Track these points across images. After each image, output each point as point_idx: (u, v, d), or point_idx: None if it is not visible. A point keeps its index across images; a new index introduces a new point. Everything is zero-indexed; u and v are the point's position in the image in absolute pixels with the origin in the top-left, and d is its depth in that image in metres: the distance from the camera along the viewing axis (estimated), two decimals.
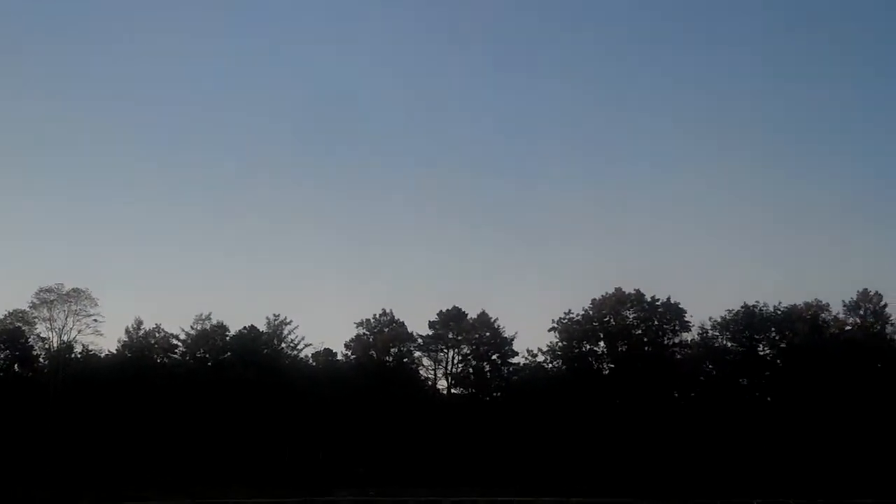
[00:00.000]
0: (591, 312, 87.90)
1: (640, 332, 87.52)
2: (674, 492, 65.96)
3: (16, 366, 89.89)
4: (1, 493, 65.31)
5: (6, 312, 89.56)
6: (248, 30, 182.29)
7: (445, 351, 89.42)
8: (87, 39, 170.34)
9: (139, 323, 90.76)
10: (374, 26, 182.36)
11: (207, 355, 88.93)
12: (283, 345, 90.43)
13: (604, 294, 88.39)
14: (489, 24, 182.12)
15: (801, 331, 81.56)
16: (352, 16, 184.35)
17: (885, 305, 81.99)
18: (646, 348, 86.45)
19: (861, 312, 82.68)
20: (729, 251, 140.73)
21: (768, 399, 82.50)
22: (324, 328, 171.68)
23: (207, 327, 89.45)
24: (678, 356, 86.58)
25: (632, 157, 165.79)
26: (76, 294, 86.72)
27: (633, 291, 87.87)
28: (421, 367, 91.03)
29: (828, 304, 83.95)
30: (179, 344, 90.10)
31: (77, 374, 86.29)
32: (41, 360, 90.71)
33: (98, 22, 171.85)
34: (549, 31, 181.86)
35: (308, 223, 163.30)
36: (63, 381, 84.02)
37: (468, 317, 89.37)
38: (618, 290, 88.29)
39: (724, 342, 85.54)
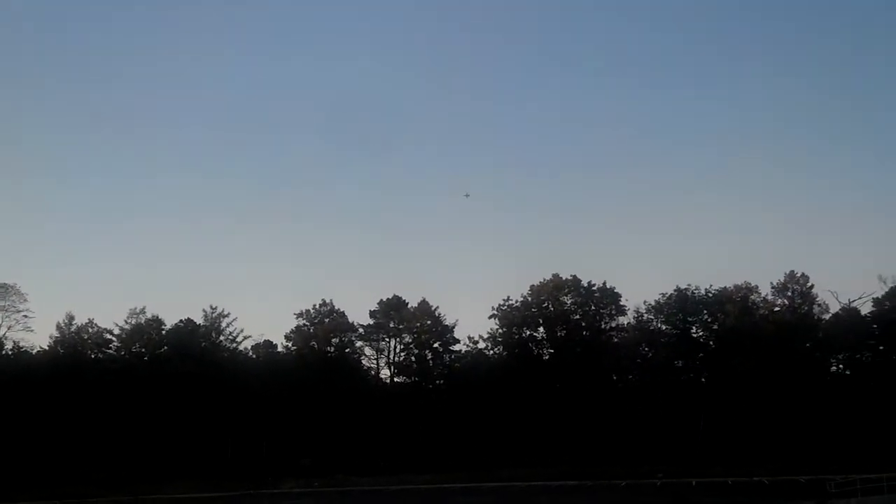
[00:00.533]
0: (529, 298, 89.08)
1: (577, 316, 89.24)
2: (613, 472, 67.59)
3: None
4: None
5: None
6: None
7: (387, 340, 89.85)
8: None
9: (71, 318, 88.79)
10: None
11: (143, 350, 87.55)
12: (222, 337, 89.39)
13: (542, 280, 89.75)
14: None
15: (732, 312, 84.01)
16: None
17: (812, 287, 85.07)
18: (584, 333, 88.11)
19: (789, 294, 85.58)
20: (661, 236, 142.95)
21: (702, 380, 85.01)
22: (263, 320, 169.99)
23: (142, 321, 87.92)
24: (615, 340, 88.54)
25: (566, 142, 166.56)
26: (4, 289, 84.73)
27: (570, 277, 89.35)
28: (363, 357, 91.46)
29: (757, 287, 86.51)
30: (114, 339, 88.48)
31: (8, 371, 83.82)
32: None
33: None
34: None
35: (243, 213, 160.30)
36: None
37: (409, 305, 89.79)
38: (555, 275, 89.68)
39: (659, 325, 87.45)
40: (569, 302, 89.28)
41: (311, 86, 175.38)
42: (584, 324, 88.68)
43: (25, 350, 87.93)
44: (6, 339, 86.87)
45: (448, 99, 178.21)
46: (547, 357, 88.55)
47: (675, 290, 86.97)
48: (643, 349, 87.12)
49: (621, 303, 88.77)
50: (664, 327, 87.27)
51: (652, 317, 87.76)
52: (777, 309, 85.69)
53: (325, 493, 68.62)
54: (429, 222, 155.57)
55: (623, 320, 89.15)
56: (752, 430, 75.56)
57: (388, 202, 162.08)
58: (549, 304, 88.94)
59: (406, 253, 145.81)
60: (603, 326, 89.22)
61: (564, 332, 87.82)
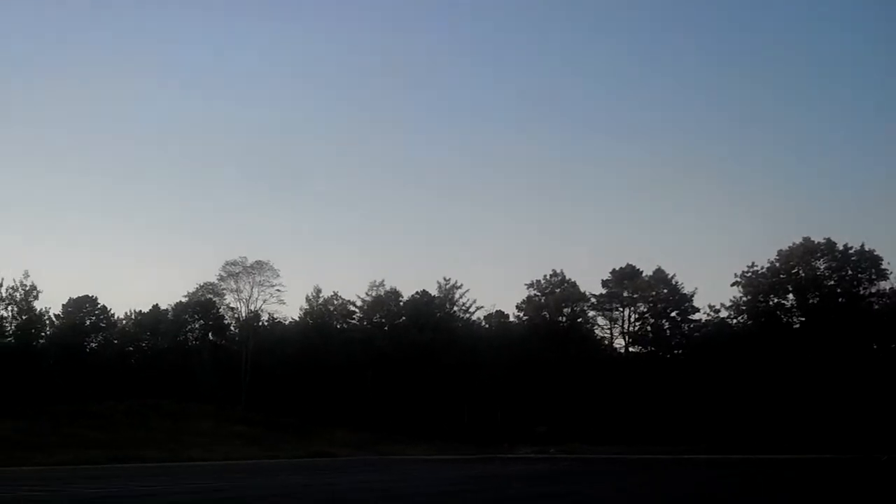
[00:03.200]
0: (777, 264, 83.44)
1: (832, 282, 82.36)
2: (874, 447, 61.68)
3: (210, 334, 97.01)
4: None
5: (198, 286, 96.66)
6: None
7: (621, 310, 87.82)
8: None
9: (318, 291, 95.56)
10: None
11: (383, 320, 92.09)
12: (455, 308, 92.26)
13: (791, 244, 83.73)
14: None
15: None
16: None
17: None
18: (839, 300, 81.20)
19: None
20: None
21: None
22: (494, 291, 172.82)
23: (382, 293, 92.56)
24: (876, 307, 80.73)
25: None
26: (259, 266, 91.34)
27: (822, 240, 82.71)
28: (596, 327, 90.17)
29: None
30: (356, 310, 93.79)
31: (266, 339, 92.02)
32: (232, 328, 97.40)
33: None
34: None
35: (468, 187, 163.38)
36: (253, 348, 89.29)
37: (643, 274, 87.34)
38: (806, 239, 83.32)
39: None
40: (822, 267, 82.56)
41: None
42: (839, 290, 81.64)
43: (279, 321, 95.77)
44: (262, 311, 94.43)
45: None
46: (797, 326, 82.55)
47: None
48: None
49: (882, 266, 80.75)
50: None
51: None
52: None
53: (561, 458, 68.40)
54: (661, 189, 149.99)
55: (884, 285, 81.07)
56: None
57: (619, 168, 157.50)
58: (799, 269, 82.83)
59: (639, 220, 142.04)
60: (861, 292, 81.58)
61: (817, 300, 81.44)
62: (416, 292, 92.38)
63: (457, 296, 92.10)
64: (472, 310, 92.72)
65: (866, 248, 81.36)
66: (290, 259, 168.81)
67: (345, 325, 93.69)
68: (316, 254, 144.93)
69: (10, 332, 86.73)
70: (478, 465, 47.27)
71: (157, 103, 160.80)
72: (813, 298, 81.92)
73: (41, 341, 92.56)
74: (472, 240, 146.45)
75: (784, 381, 76.40)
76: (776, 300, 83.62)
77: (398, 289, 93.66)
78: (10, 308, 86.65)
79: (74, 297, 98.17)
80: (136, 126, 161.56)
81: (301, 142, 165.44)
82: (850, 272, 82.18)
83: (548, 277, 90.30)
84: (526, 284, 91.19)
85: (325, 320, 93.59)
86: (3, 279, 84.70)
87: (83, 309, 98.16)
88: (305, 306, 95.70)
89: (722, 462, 57.04)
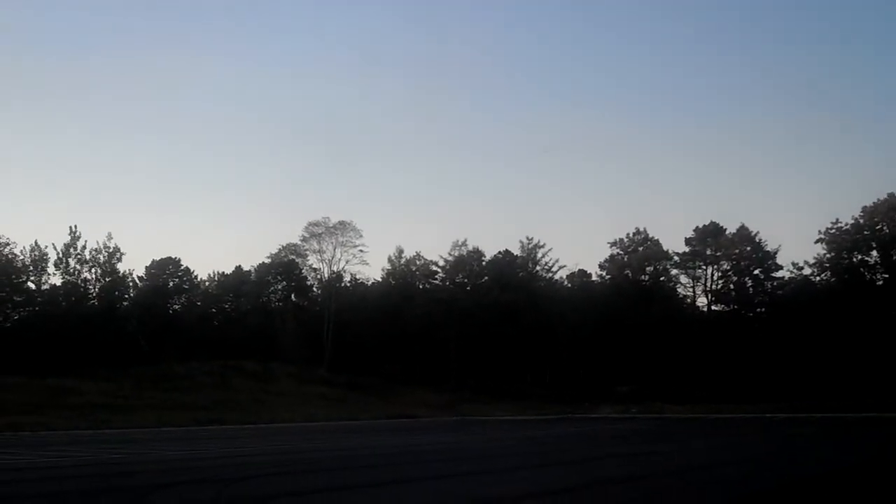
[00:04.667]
0: (861, 221, 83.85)
1: None
2: None
3: (292, 295, 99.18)
4: None
5: (280, 247, 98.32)
6: None
7: (704, 268, 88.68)
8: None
9: (400, 252, 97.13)
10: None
11: (466, 280, 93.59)
12: (538, 268, 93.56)
13: (875, 200, 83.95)
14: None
15: None
16: None
17: None
18: None
19: None
20: None
21: None
22: (577, 250, 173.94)
23: (464, 253, 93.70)
24: None
25: None
26: (342, 226, 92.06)
27: None
28: (678, 286, 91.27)
29: None
30: (439, 270, 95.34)
31: (347, 300, 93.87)
32: (314, 289, 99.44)
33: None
34: None
35: (561, 141, 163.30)
36: (336, 309, 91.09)
37: (726, 231, 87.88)
38: (891, 195, 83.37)
39: None
40: None
41: None
42: None
43: (362, 282, 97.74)
44: (345, 271, 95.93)
45: None
46: (881, 283, 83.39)
47: None
48: None
49: None
50: None
51: None
52: None
53: (643, 419, 70.27)
54: (745, 144, 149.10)
55: None
56: None
57: (700, 126, 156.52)
58: (883, 225, 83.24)
59: (723, 177, 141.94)
60: None
61: None
62: (499, 252, 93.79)
63: (539, 255, 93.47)
64: (554, 269, 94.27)
65: None
66: (372, 220, 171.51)
67: (427, 286, 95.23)
68: (398, 215, 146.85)
69: (94, 294, 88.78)
70: (558, 425, 48.32)
71: (241, 75, 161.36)
72: None
73: (125, 304, 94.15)
74: (554, 198, 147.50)
75: (868, 339, 77.48)
76: (860, 257, 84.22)
77: (481, 248, 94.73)
78: (93, 270, 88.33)
79: (158, 259, 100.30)
80: (221, 94, 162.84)
81: (382, 108, 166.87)
82: None
83: (630, 236, 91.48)
84: (609, 243, 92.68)
85: (407, 281, 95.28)
86: (86, 242, 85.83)
87: (166, 271, 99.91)
88: (388, 267, 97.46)
89: (805, 420, 58.54)
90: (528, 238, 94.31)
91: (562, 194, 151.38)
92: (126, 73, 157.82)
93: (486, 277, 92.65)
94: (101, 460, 22.70)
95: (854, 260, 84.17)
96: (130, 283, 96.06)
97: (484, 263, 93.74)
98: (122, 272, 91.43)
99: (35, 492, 15.12)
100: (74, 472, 19.07)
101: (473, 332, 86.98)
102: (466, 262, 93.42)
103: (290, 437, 34.45)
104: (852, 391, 72.14)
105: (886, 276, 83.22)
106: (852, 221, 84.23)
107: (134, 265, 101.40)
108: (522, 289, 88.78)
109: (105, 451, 25.60)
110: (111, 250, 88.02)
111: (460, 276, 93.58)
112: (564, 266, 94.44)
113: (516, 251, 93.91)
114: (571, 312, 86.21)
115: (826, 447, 27.07)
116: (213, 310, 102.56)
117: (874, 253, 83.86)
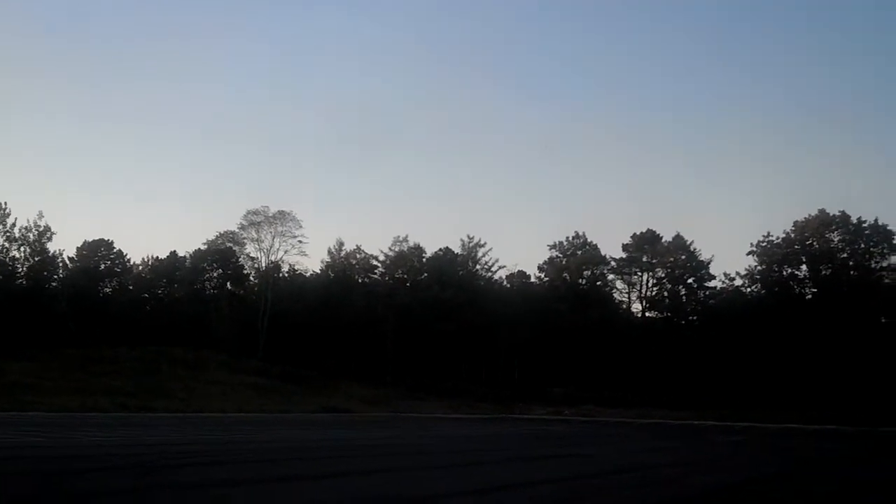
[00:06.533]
0: (792, 235, 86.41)
1: (845, 255, 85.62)
2: (878, 420, 65.29)
3: (228, 284, 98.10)
4: None
5: (218, 234, 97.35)
6: None
7: (639, 274, 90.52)
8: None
9: (341, 244, 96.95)
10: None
11: (405, 276, 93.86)
12: (478, 267, 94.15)
13: (806, 216, 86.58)
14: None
15: None
16: None
17: None
18: (851, 272, 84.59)
19: None
20: None
21: None
22: (516, 251, 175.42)
23: (405, 249, 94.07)
24: (886, 280, 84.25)
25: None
26: (282, 216, 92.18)
27: (837, 213, 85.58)
28: (614, 291, 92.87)
29: None
30: (378, 265, 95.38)
31: (286, 290, 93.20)
32: (251, 278, 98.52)
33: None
34: None
35: (500, 144, 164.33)
36: (272, 299, 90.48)
37: (663, 239, 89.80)
38: (821, 211, 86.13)
39: None
40: (836, 239, 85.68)
41: None
42: (851, 263, 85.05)
43: (300, 273, 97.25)
44: (283, 262, 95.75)
45: None
46: (809, 297, 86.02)
47: None
48: None
49: (894, 241, 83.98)
50: None
51: None
52: None
53: (575, 421, 71.25)
54: (685, 155, 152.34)
55: (895, 259, 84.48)
56: None
57: (643, 135, 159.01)
58: (813, 241, 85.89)
59: (661, 186, 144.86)
60: (872, 266, 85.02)
61: (829, 271, 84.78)
62: (440, 249, 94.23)
63: (480, 254, 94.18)
64: (494, 269, 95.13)
65: (880, 223, 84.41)
66: (314, 213, 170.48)
67: (366, 280, 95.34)
68: (340, 209, 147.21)
69: (22, 272, 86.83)
70: (491, 425, 48.70)
71: (185, 58, 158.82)
72: (826, 270, 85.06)
73: (53, 284, 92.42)
74: (496, 199, 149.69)
75: (794, 351, 79.84)
76: (790, 270, 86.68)
77: (422, 245, 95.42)
78: (22, 249, 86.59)
79: (90, 240, 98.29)
80: (163, 76, 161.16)
81: (326, 102, 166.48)
82: (862, 245, 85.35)
83: (570, 239, 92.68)
84: (548, 245, 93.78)
85: (346, 274, 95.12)
86: (16, 219, 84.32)
87: (98, 253, 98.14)
88: (327, 259, 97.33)
89: (729, 429, 60.19)
90: (469, 237, 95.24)
91: (504, 195, 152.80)
92: (68, 52, 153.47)
93: (426, 274, 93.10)
94: (21, 443, 22.32)
95: (784, 273, 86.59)
96: (60, 264, 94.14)
97: (424, 260, 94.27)
98: (52, 252, 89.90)
99: None
100: None
101: (411, 328, 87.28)
102: (407, 258, 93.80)
103: (214, 428, 33.96)
104: (779, 402, 74.25)
105: (815, 290, 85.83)
106: (783, 235, 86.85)
107: (65, 246, 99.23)
108: (462, 287, 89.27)
109: (26, 435, 25.12)
110: (41, 229, 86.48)
111: (400, 271, 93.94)
112: (504, 266, 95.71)
113: (457, 249, 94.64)
114: (509, 312, 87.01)
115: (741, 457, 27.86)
116: (146, 295, 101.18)
117: (804, 267, 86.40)
